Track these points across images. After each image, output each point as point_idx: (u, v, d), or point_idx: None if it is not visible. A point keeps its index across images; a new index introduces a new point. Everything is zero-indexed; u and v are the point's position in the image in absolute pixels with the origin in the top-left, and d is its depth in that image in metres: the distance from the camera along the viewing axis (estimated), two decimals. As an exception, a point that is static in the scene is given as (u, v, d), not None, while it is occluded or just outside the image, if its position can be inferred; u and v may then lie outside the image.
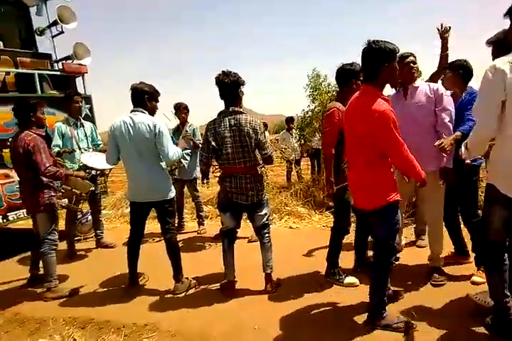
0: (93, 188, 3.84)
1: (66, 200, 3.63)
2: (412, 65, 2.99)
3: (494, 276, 2.28)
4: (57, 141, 4.21)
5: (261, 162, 3.07)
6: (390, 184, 2.39)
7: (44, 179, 3.30)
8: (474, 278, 3.03)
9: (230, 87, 2.97)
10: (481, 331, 2.38)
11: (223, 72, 2.98)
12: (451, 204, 3.23)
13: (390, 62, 2.26)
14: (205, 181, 7.29)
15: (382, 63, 2.25)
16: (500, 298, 2.26)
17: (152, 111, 3.27)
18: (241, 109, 3.03)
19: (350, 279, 3.19)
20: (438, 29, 3.35)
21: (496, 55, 2.24)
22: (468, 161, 2.85)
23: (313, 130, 6.60)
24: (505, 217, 2.15)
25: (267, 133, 7.86)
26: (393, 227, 2.43)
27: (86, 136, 4.45)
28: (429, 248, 3.23)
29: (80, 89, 5.54)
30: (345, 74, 3.02)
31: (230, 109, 2.99)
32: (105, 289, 3.50)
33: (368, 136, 2.29)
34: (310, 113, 6.42)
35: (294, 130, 7.85)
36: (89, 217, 4.83)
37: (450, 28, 3.30)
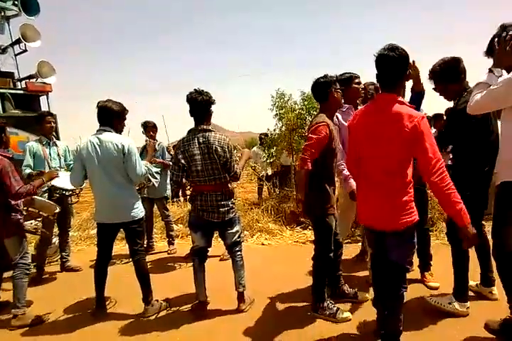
0: (58, 210, 3.71)
1: (33, 223, 3.48)
2: None
3: None
4: (28, 161, 4.13)
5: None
6: (412, 204, 2.18)
7: (12, 202, 3.17)
8: (431, 284, 3.17)
9: (201, 105, 3.00)
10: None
11: (195, 90, 3.01)
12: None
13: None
14: (175, 200, 7.20)
15: (406, 69, 2.14)
16: None
17: (120, 130, 3.24)
18: (210, 127, 3.06)
19: (345, 314, 2.89)
20: None
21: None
22: None
23: (281, 148, 6.70)
24: None
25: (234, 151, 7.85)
26: (412, 250, 2.27)
27: (59, 155, 4.38)
28: None
29: (44, 108, 5.44)
30: (322, 86, 2.89)
31: (200, 127, 3.02)
32: (71, 315, 3.34)
33: (400, 147, 2.07)
34: (278, 131, 6.53)
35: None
36: (55, 240, 4.65)
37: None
